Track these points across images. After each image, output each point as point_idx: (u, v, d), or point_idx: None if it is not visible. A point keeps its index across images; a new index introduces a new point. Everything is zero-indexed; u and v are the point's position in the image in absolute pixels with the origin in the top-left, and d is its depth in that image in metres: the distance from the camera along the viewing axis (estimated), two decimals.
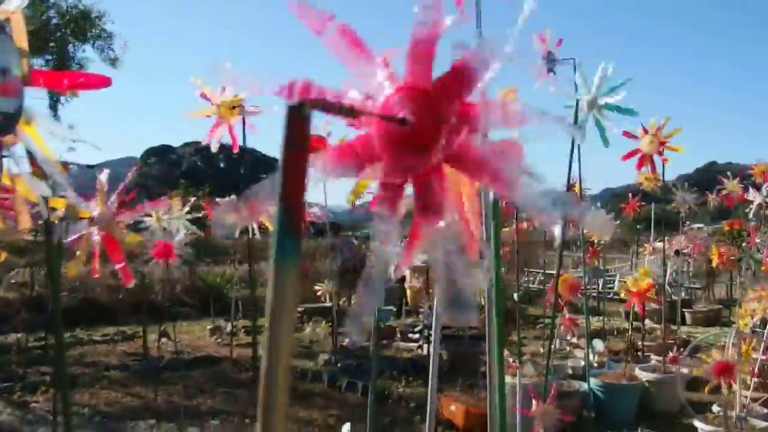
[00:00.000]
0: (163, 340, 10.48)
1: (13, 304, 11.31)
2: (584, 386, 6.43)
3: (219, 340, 10.26)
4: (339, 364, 8.23)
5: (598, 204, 9.79)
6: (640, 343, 8.30)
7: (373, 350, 4.14)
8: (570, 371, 8.06)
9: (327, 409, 6.65)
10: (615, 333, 10.37)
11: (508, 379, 5.77)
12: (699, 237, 10.38)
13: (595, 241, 9.72)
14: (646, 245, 9.76)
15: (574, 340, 9.60)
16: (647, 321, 11.54)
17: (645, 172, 10.50)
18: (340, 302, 12.43)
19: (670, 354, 6.43)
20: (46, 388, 7.32)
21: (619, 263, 16.80)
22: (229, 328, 11.28)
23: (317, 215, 10.30)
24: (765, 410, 5.76)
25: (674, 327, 10.27)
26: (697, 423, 5.33)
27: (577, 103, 3.98)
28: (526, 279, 15.94)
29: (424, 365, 7.91)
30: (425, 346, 8.96)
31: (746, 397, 5.98)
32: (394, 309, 12.46)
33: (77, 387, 7.34)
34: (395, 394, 6.96)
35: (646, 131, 6.45)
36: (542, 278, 16.12)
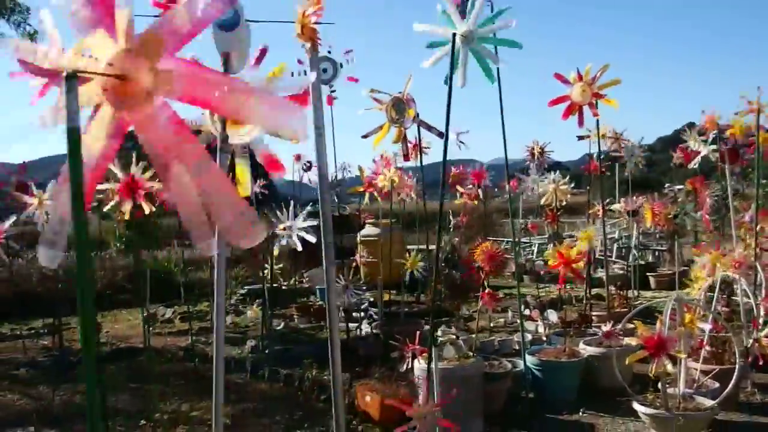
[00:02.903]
0: None
1: None
2: (521, 365, 5.82)
3: (151, 328, 9.55)
4: (267, 351, 7.58)
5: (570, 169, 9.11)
6: (591, 313, 7.71)
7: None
8: (516, 347, 7.47)
9: (239, 402, 5.99)
10: (573, 302, 9.75)
11: (422, 363, 5.16)
12: (664, 198, 9.80)
13: (554, 205, 9.07)
14: (596, 207, 9.12)
15: (527, 311, 9.00)
16: (611, 288, 10.99)
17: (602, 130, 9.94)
18: (284, 283, 11.82)
19: (606, 326, 5.79)
20: None
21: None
22: (167, 315, 10.64)
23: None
24: (716, 384, 5.15)
25: (634, 293, 9.68)
26: (636, 405, 4.71)
27: (454, 38, 3.29)
28: None
29: (355, 348, 7.27)
30: (364, 326, 8.32)
31: (696, 370, 5.39)
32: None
33: None
34: (319, 381, 6.31)
35: (580, 77, 5.78)
36: (507, 247, 15.54)
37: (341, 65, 5.65)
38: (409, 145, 9.46)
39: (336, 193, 9.11)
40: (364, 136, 5.02)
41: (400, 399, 5.18)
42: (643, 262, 12.28)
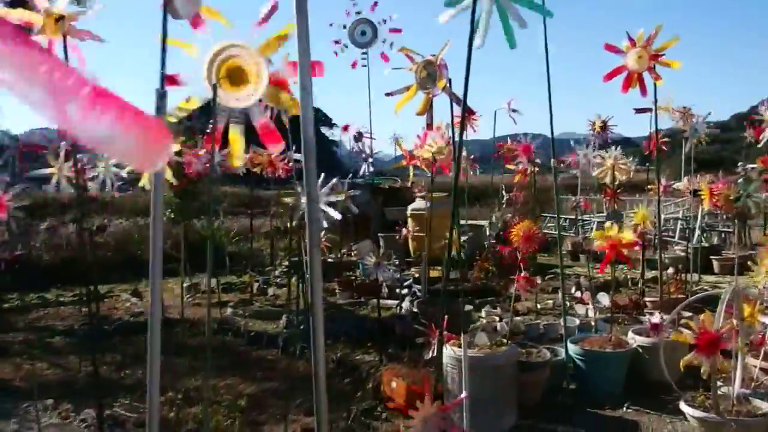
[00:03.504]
0: (134, 300, 9.79)
1: None
2: (562, 354, 5.42)
3: (191, 299, 9.46)
4: (302, 326, 7.34)
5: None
6: (644, 299, 7.21)
7: None
8: (562, 331, 7.04)
9: (264, 381, 5.77)
10: (629, 285, 9.23)
11: (451, 351, 4.81)
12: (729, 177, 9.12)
13: (610, 182, 8.54)
14: (651, 186, 8.54)
15: (578, 294, 8.53)
16: (670, 270, 10.39)
17: (665, 104, 9.31)
18: (330, 255, 11.55)
19: (655, 316, 5.31)
20: None
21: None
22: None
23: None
24: None
25: (693, 278, 9.09)
26: (683, 406, 4.27)
27: None
28: (543, 225, 14.83)
29: (392, 327, 6.97)
30: (405, 303, 8.00)
31: (756, 368, 4.90)
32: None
33: (5, 357, 6.63)
34: (346, 362, 6.03)
35: (633, 43, 5.26)
36: (565, 224, 14.97)
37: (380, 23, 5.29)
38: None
39: (370, 164, 8.74)
40: (388, 94, 4.66)
41: (426, 388, 4.87)
42: (707, 245, 11.59)
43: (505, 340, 4.85)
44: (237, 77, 3.14)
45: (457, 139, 7.47)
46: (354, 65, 5.68)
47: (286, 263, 11.15)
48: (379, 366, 5.71)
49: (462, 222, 11.88)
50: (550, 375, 5.22)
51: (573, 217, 13.79)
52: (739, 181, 6.09)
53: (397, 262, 11.72)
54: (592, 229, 14.16)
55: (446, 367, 4.71)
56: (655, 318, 5.22)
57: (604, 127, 10.70)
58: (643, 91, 5.37)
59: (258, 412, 4.96)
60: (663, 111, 8.49)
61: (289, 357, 6.50)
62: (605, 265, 5.18)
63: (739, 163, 12.57)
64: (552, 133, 5.37)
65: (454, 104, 4.44)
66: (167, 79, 3.13)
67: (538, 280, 9.80)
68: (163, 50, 2.24)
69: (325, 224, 4.85)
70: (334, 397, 5.26)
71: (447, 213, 11.79)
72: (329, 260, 11.52)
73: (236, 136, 3.13)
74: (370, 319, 7.58)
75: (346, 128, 10.69)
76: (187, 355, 6.51)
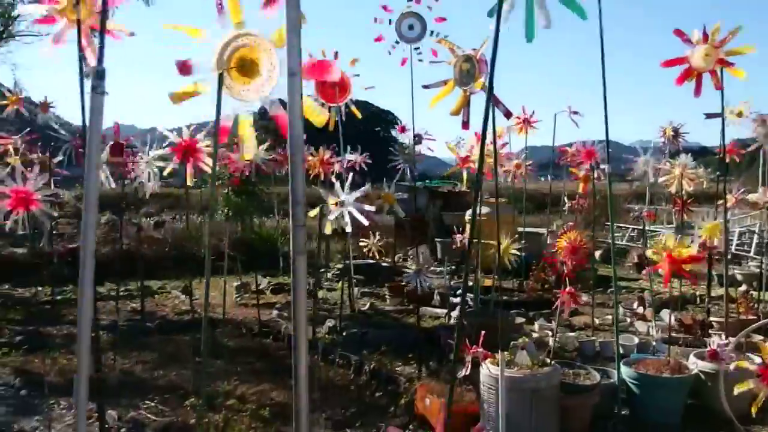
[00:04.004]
0: (183, 297, 9.71)
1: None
2: (614, 377, 5.00)
3: (239, 298, 9.33)
4: (345, 333, 7.09)
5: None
6: (711, 318, 6.68)
7: None
8: (621, 350, 6.58)
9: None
10: (697, 302, 8.64)
11: (490, 369, 4.46)
12: None
13: (677, 192, 8.00)
14: (727, 197, 7.94)
15: (640, 309, 8.03)
16: (743, 287, 9.73)
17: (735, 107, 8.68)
18: (386, 260, 11.27)
19: (717, 340, 4.81)
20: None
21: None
22: (261, 285, 10.38)
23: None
24: None
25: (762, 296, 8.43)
26: None
27: None
28: (607, 235, 14.20)
29: (438, 338, 6.63)
30: (455, 313, 7.65)
31: None
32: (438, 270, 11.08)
33: (44, 350, 6.58)
34: (382, 373, 5.74)
35: (705, 38, 4.80)
36: (633, 234, 14.33)
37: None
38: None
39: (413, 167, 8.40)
40: (426, 87, 4.34)
41: (463, 407, 4.54)
42: None
43: (548, 360, 4.47)
44: (248, 67, 2.90)
45: (489, 141, 7.09)
46: (404, 63, 5.37)
47: (339, 266, 10.95)
48: (417, 380, 5.39)
49: (525, 229, 11.49)
50: (599, 400, 4.80)
51: (641, 227, 13.15)
52: None
53: (452, 268, 11.43)
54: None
55: (482, 386, 4.37)
56: (716, 343, 4.73)
57: (677, 134, 10.10)
58: (698, 91, 4.90)
59: (282, 422, 4.70)
60: (733, 117, 7.92)
61: (327, 364, 6.23)
62: (668, 281, 4.74)
63: None
64: (607, 136, 4.99)
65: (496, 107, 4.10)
66: (180, 66, 2.91)
67: (599, 293, 9.32)
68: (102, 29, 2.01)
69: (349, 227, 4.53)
70: (366, 410, 4.99)
71: (504, 219, 11.43)
72: (383, 265, 11.27)
73: (245, 126, 2.88)
74: (415, 329, 7.26)
75: (403, 129, 10.34)
76: (223, 357, 6.34)
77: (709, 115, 7.07)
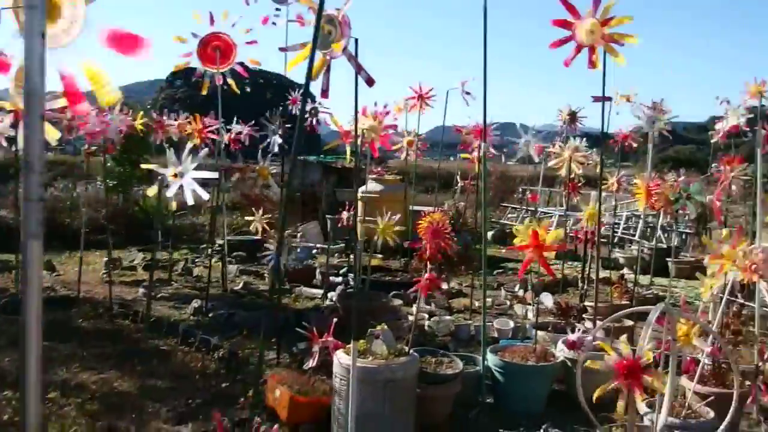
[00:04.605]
0: (43, 273, 9.03)
1: None
2: (481, 365, 4.80)
3: (105, 275, 8.72)
4: (211, 314, 6.67)
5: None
6: (586, 303, 6.61)
7: None
8: (495, 334, 6.43)
9: (148, 377, 5.08)
10: (579, 284, 8.64)
11: (340, 359, 4.16)
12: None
13: (566, 175, 7.92)
14: (609, 180, 7.91)
15: (521, 292, 7.93)
16: (624, 270, 9.83)
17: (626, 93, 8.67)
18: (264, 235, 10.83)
19: (579, 328, 4.66)
20: None
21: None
22: (135, 261, 9.80)
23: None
24: (711, 414, 4.06)
25: (639, 281, 8.49)
26: None
27: None
28: (501, 216, 14.22)
29: (308, 321, 6.29)
30: (333, 294, 7.33)
31: (689, 390, 4.32)
32: (319, 247, 10.70)
33: None
34: (240, 359, 5.37)
35: (577, 14, 4.58)
36: (526, 216, 14.37)
37: None
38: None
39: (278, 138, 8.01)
40: (282, 49, 3.96)
41: (316, 398, 4.23)
42: (664, 246, 11.02)
43: (406, 348, 4.19)
44: (51, 11, 2.45)
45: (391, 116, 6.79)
46: (265, 21, 4.94)
47: (220, 242, 10.45)
48: (276, 367, 5.05)
49: (418, 208, 11.28)
50: (463, 388, 4.58)
51: (533, 209, 13.19)
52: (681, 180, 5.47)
53: (342, 246, 11.11)
54: (553, 223, 13.59)
55: (335, 378, 4.06)
56: (575, 333, 4.58)
57: (574, 118, 10.05)
58: (591, 63, 4.70)
59: (118, 415, 4.27)
60: (622, 100, 7.89)
61: (186, 348, 5.81)
62: (524, 270, 4.55)
63: (713, 165, 11.99)
64: (485, 117, 4.80)
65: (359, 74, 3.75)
66: None
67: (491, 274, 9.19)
68: None
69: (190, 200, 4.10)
70: (213, 400, 4.61)
71: (396, 197, 11.17)
72: (269, 242, 10.81)
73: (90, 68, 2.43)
74: (288, 311, 6.91)
75: (294, 101, 9.86)
76: (71, 340, 5.83)
77: (596, 98, 6.95)
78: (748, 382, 4.41)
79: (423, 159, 12.35)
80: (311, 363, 4.14)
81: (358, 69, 3.76)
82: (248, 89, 7.80)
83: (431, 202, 13.72)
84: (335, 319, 4.45)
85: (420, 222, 4.53)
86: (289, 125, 8.64)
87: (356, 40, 3.86)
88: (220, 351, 5.42)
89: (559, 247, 4.43)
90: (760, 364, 4.37)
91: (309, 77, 3.71)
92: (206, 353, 5.60)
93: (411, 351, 4.24)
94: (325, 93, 3.80)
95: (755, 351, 4.59)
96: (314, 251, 10.06)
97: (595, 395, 3.30)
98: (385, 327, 4.21)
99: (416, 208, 11.18)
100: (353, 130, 7.14)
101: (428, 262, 4.38)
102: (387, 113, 6.37)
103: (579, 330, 4.70)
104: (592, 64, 4.82)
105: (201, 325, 6.34)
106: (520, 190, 12.06)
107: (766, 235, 5.36)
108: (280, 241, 4.13)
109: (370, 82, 3.74)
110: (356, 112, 4.18)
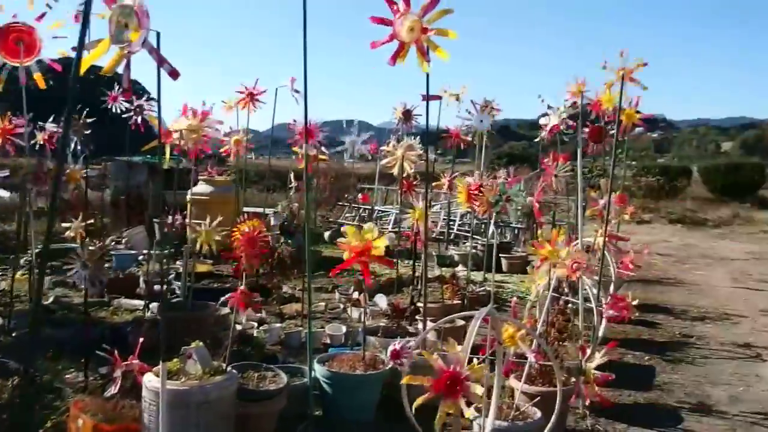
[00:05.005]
0: None
1: None
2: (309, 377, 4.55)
3: None
4: (15, 333, 6.01)
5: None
6: (419, 304, 6.53)
7: None
8: (328, 340, 6.23)
9: None
10: (415, 284, 8.62)
11: (146, 384, 3.80)
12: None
13: (398, 173, 7.83)
14: (443, 179, 7.96)
15: (355, 294, 7.78)
16: (459, 267, 9.95)
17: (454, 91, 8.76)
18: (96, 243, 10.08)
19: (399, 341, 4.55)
20: None
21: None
22: None
23: None
24: (538, 414, 4.05)
25: (482, 276, 8.62)
26: None
27: None
28: (339, 215, 14.11)
29: (125, 336, 5.81)
30: (153, 305, 6.82)
31: (517, 390, 4.30)
32: (144, 254, 10.08)
33: None
34: (44, 386, 4.82)
35: (396, 10, 4.43)
36: (363, 215, 14.34)
37: None
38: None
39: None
40: (75, 48, 3.52)
41: (124, 426, 3.83)
42: (495, 241, 11.27)
43: (223, 366, 3.88)
44: None
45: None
46: (76, 19, 4.43)
47: (37, 249, 9.58)
48: (84, 392, 4.57)
49: (250, 209, 10.90)
50: (290, 403, 4.32)
51: (370, 207, 13.17)
52: (500, 181, 5.53)
53: (170, 252, 10.49)
54: (390, 221, 13.62)
55: (144, 402, 3.69)
56: (398, 343, 4.47)
57: (408, 116, 10.03)
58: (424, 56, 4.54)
59: None
60: (451, 99, 7.95)
61: None
62: (335, 272, 4.37)
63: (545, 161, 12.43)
64: (306, 117, 4.58)
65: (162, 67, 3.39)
66: None
67: (320, 277, 8.99)
68: None
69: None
70: None
71: (227, 199, 10.72)
72: (90, 248, 10.03)
73: None
74: (105, 326, 6.35)
75: (115, 99, 9.14)
76: None
77: (425, 97, 6.88)
78: (574, 379, 4.47)
79: (263, 158, 11.96)
80: (113, 390, 3.74)
81: (160, 62, 3.39)
82: (51, 82, 7.10)
83: (270, 203, 13.40)
84: (141, 339, 4.05)
85: (234, 230, 4.21)
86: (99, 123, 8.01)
87: (158, 33, 3.50)
88: (16, 377, 4.83)
89: (387, 262, 4.28)
90: (582, 361, 4.43)
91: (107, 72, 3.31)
92: (4, 378, 4.98)
93: (229, 368, 3.94)
94: (127, 92, 3.43)
95: (583, 346, 4.66)
96: (140, 258, 9.43)
97: (415, 404, 3.15)
98: (200, 344, 3.87)
99: (250, 209, 10.81)
100: (173, 129, 6.74)
101: (243, 274, 4.09)
102: (208, 113, 6.01)
103: (401, 341, 4.57)
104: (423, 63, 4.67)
105: (1, 347, 5.68)
106: (357, 188, 11.98)
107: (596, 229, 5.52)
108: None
109: (173, 74, 3.39)
110: (159, 108, 3.78)
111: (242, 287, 3.79)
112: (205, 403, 3.64)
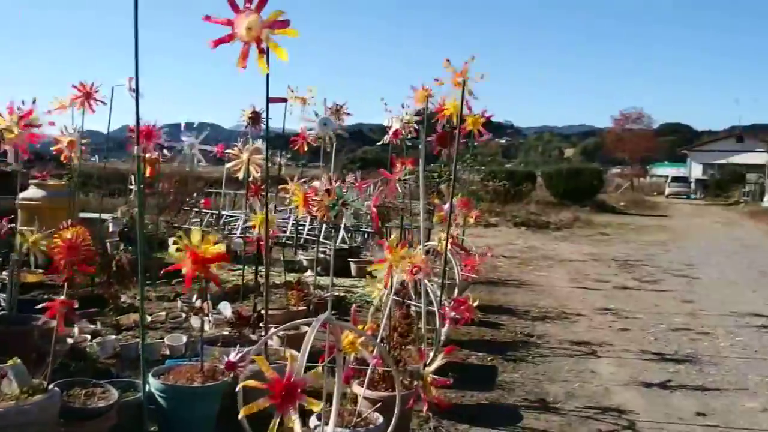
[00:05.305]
0: None
1: None
2: (143, 391, 4.30)
3: None
4: None
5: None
6: (263, 310, 6.38)
7: None
8: (167, 351, 5.96)
9: None
10: (261, 290, 8.44)
11: None
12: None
13: (243, 177, 7.62)
14: (289, 183, 7.83)
15: (198, 302, 7.49)
16: (308, 272, 9.86)
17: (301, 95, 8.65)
18: None
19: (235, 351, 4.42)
20: None
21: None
22: None
23: None
24: (380, 419, 4.02)
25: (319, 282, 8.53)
26: None
27: None
28: (185, 220, 13.66)
29: None
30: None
31: (359, 396, 4.26)
32: None
33: None
34: None
35: (236, 9, 4.28)
36: (211, 219, 13.95)
37: None
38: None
39: None
40: None
41: None
42: (345, 246, 11.33)
43: (44, 383, 3.58)
44: None
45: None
46: None
47: None
48: None
49: (87, 215, 10.30)
50: (122, 420, 4.06)
51: (217, 212, 12.82)
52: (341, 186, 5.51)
53: None
54: (238, 226, 13.33)
55: None
56: (236, 353, 4.33)
57: (257, 118, 9.77)
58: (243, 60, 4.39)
59: None
60: (297, 102, 7.84)
61: None
62: (189, 284, 4.19)
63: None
64: (137, 119, 4.33)
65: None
66: None
67: (163, 284, 8.62)
68: None
69: None
70: None
71: (61, 204, 10.06)
72: None
73: None
74: None
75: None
76: None
77: (272, 100, 6.71)
78: (416, 382, 4.48)
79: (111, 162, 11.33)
80: None
81: None
82: None
83: (110, 208, 12.74)
84: None
85: (55, 237, 3.92)
86: None
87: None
88: None
89: (220, 257, 4.11)
90: (421, 364, 4.46)
91: None
92: None
93: (51, 386, 3.64)
94: None
95: (421, 350, 4.70)
96: None
97: (246, 411, 3.04)
98: (18, 360, 3.56)
99: (88, 215, 10.22)
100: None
101: (66, 284, 3.80)
102: (30, 112, 5.57)
103: (240, 350, 4.43)
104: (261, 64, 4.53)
105: None
106: (202, 192, 11.62)
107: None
108: None
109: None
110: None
111: (62, 297, 3.51)
112: (24, 425, 3.34)
